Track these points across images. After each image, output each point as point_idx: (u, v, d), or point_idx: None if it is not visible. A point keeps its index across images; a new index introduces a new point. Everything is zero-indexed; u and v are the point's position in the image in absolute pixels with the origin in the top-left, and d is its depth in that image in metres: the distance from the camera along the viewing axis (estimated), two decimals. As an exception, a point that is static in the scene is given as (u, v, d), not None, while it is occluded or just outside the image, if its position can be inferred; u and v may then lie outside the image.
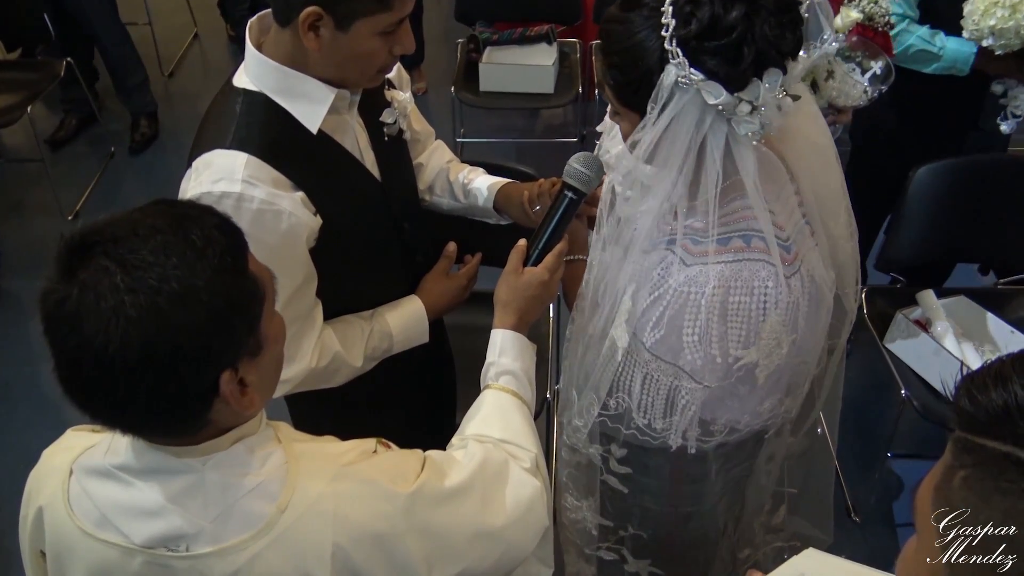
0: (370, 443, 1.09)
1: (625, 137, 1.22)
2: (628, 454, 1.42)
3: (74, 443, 1.06)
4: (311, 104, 1.33)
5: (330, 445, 1.08)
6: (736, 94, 1.07)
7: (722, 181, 1.15)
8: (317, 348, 1.45)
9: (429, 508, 1.05)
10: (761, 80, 1.07)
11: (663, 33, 1.08)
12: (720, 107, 1.08)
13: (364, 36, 1.27)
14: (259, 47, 1.33)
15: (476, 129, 4.15)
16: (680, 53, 1.07)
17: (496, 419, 1.30)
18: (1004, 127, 2.27)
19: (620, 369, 1.29)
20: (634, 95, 1.15)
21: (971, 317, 2.37)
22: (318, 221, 1.36)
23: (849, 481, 2.60)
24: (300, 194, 1.33)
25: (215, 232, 0.90)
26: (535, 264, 1.43)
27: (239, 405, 0.93)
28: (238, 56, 3.81)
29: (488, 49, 3.70)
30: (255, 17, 1.37)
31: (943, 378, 2.21)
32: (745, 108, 1.08)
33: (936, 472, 0.69)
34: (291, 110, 1.33)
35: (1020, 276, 2.70)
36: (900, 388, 2.25)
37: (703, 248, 1.19)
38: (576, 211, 1.46)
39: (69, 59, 3.75)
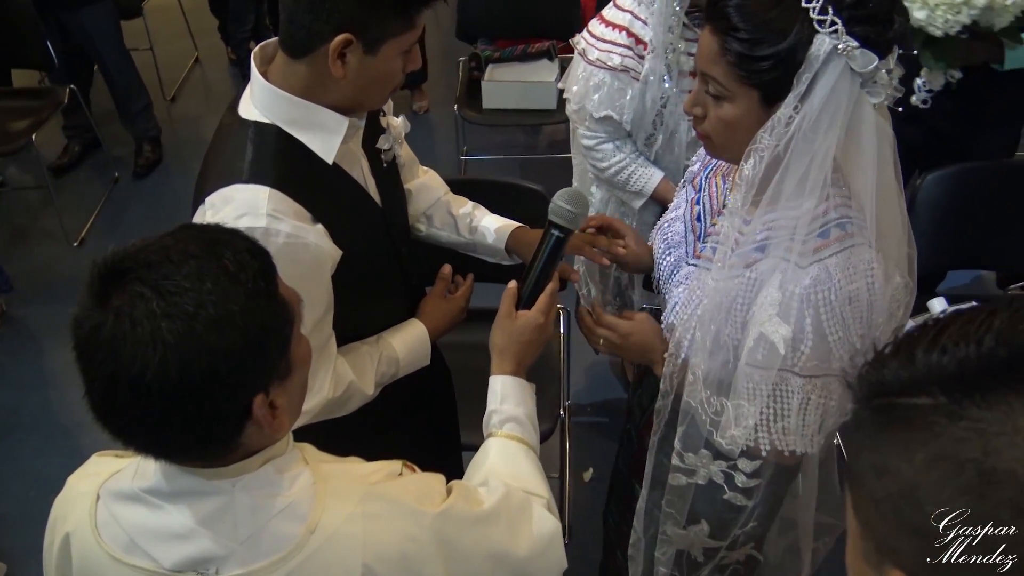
0: (396, 465, 1.10)
1: (731, 123, 1.21)
2: (762, 466, 1.38)
3: (100, 469, 1.06)
4: (326, 134, 1.31)
5: (357, 466, 1.08)
6: (880, 61, 1.11)
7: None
8: (333, 378, 1.45)
9: (457, 530, 1.05)
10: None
11: (803, 4, 1.09)
12: (865, 75, 1.11)
13: (390, 57, 1.27)
14: (264, 77, 1.31)
15: (479, 146, 4.15)
16: (840, 21, 1.08)
17: (504, 466, 1.28)
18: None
19: (770, 395, 1.28)
20: (766, 72, 1.14)
21: (981, 323, 2.36)
22: (339, 252, 1.35)
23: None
24: (319, 226, 1.32)
25: (247, 256, 0.91)
26: (527, 306, 1.41)
27: (271, 428, 0.94)
28: (239, 79, 3.83)
29: (490, 67, 3.70)
30: (257, 48, 1.35)
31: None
32: (885, 76, 1.12)
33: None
34: (306, 141, 1.31)
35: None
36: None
37: (810, 246, 1.20)
38: (564, 249, 1.43)
39: (73, 86, 3.77)
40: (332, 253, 1.33)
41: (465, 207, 1.77)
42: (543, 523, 1.18)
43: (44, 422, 3.00)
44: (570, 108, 2.18)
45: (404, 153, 1.70)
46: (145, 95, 4.15)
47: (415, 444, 1.76)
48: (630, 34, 2.00)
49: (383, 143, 1.50)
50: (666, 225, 1.54)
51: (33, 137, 3.57)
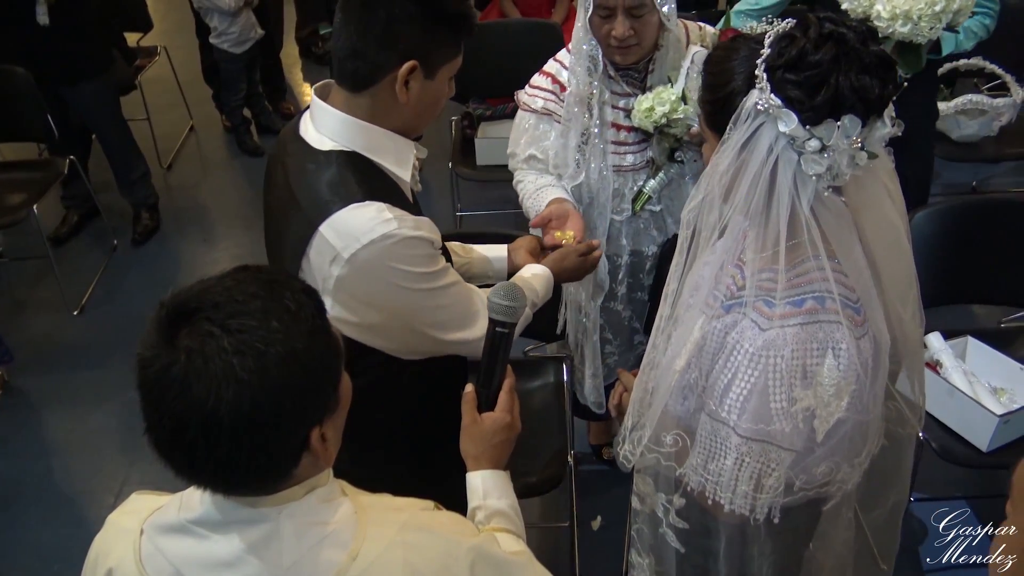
0: (428, 503, 1.13)
1: (707, 165, 1.26)
2: (687, 506, 1.39)
3: (141, 505, 1.08)
4: (400, 156, 1.44)
5: (391, 499, 1.11)
6: (808, 128, 1.11)
7: (793, 237, 1.18)
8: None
9: (488, 566, 1.07)
10: (837, 123, 1.11)
11: (757, 61, 1.14)
12: (791, 137, 1.12)
13: (443, 80, 1.41)
14: None
15: (474, 202, 4.20)
16: (765, 78, 1.13)
17: None
18: None
19: (710, 444, 1.28)
20: (717, 115, 1.21)
21: (979, 357, 2.37)
22: (440, 237, 1.46)
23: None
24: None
25: (303, 295, 0.95)
26: (489, 408, 1.40)
27: (323, 459, 0.98)
28: (233, 146, 3.88)
29: (482, 125, 3.78)
30: (313, 89, 1.46)
31: (959, 418, 2.21)
32: (814, 144, 1.12)
33: None
34: (385, 164, 1.43)
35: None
36: (917, 431, 2.23)
37: (778, 311, 1.20)
38: (511, 342, 1.45)
39: (72, 157, 3.82)
40: (438, 238, 1.45)
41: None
42: None
43: (47, 491, 2.97)
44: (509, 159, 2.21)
45: None
46: (143, 164, 4.21)
47: (431, 447, 1.76)
48: (555, 80, 2.09)
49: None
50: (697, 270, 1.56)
51: (34, 208, 3.61)
